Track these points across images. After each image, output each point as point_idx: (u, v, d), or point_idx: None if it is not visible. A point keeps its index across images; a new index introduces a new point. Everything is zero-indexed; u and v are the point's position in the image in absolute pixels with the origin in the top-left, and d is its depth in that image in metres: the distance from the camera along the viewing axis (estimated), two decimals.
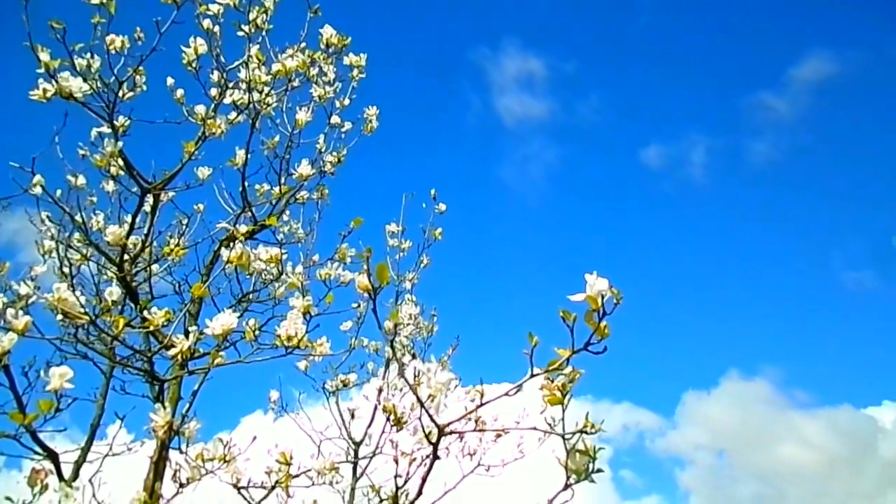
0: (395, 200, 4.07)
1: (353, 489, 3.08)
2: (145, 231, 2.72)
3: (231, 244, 2.26)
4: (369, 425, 3.20)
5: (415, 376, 1.02)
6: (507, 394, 1.08)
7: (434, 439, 1.06)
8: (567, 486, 1.28)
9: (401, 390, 3.55)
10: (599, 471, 1.30)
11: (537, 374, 1.06)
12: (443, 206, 3.78)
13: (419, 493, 1.24)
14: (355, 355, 3.54)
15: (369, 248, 3.15)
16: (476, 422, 1.39)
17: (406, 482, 3.60)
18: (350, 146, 3.25)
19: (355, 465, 3.02)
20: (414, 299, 3.63)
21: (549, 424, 1.25)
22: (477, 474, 3.20)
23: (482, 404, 1.10)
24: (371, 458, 3.06)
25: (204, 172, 2.78)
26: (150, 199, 2.69)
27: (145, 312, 2.13)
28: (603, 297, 1.07)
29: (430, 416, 1.04)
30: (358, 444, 3.14)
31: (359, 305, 3.76)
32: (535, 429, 1.09)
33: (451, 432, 1.11)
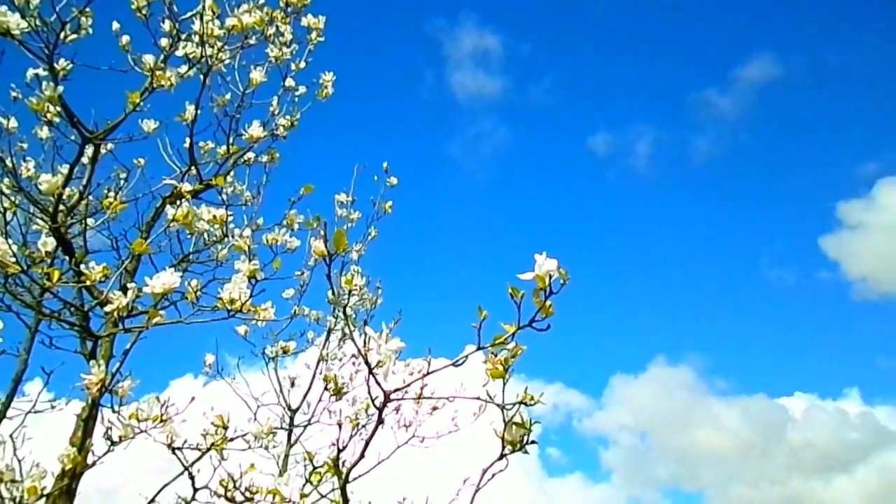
0: (346, 170, 4.02)
1: (286, 455, 3.08)
2: (83, 182, 2.60)
3: (177, 202, 2.20)
4: (307, 393, 3.20)
5: (364, 342, 1.04)
6: (454, 363, 1.12)
7: (380, 404, 1.09)
8: (502, 456, 1.33)
9: (340, 360, 3.57)
10: (533, 442, 1.36)
11: (485, 347, 1.10)
12: (394, 180, 3.76)
13: (362, 455, 1.26)
14: (296, 323, 3.52)
15: (318, 216, 3.12)
16: (420, 392, 1.43)
17: (344, 448, 3.64)
18: (304, 111, 3.19)
19: (290, 431, 3.02)
20: (360, 270, 3.63)
21: (490, 397, 1.30)
22: (411, 445, 3.27)
23: (429, 373, 1.13)
24: (307, 425, 3.07)
25: (149, 126, 2.67)
26: (89, 149, 2.57)
27: (82, 267, 2.06)
28: (550, 277, 1.12)
29: (377, 381, 1.06)
30: (294, 412, 3.14)
31: (302, 273, 3.73)
32: (477, 398, 1.13)
33: (399, 399, 1.14)
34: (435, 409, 3.22)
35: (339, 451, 1.31)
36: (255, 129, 2.84)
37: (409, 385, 1.11)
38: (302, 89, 3.34)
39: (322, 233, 1.11)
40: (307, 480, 1.89)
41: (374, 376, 1.04)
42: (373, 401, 1.07)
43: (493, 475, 1.34)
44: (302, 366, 3.30)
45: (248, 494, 1.85)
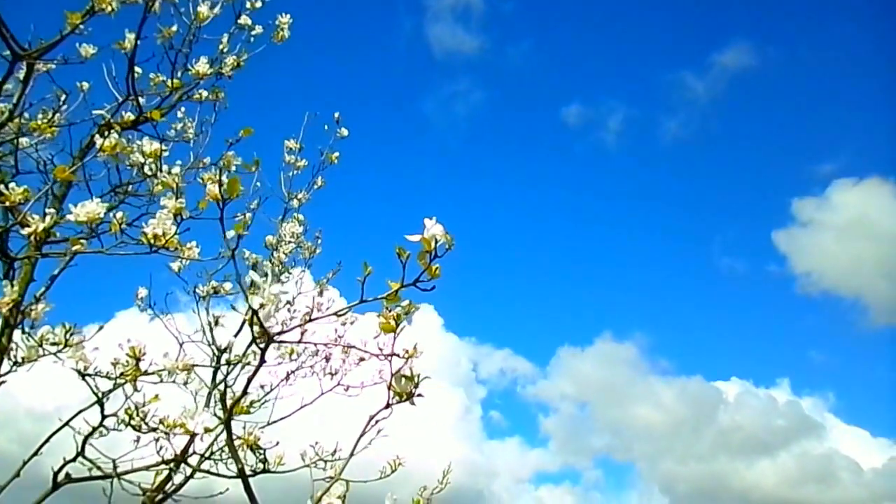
0: (310, 116, 3.97)
1: (209, 394, 3.13)
2: (14, 100, 2.53)
3: (107, 132, 2.17)
4: (236, 334, 3.25)
5: (250, 285, 1.09)
6: (335, 314, 1.18)
7: (262, 345, 1.14)
8: (388, 406, 1.42)
9: (276, 305, 3.60)
10: (420, 395, 1.44)
11: (366, 301, 1.17)
12: (345, 131, 3.75)
13: (244, 391, 1.33)
14: (233, 265, 3.51)
15: (257, 160, 3.11)
16: (300, 337, 1.49)
17: (270, 391, 3.71)
18: (256, 52, 3.14)
19: (215, 371, 3.07)
20: (301, 218, 3.64)
21: (380, 349, 1.37)
22: (336, 393, 3.36)
23: (310, 320, 1.19)
24: (233, 366, 3.12)
25: (88, 50, 2.60)
26: (23, 67, 2.49)
27: (2, 186, 2.03)
28: (436, 241, 1.18)
29: (260, 323, 1.12)
30: (222, 352, 3.19)
31: (244, 216, 3.72)
32: (365, 350, 1.20)
33: (281, 341, 1.20)
34: (362, 360, 3.30)
35: (226, 386, 1.37)
36: (202, 66, 2.80)
37: (290, 329, 1.17)
38: (258, 29, 3.28)
39: (216, 176, 1.14)
40: (217, 416, 1.95)
41: (257, 318, 1.10)
42: (255, 341, 1.12)
43: (377, 422, 1.42)
44: (229, 307, 3.33)
45: (153, 425, 1.91)
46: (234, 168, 2.77)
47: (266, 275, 1.17)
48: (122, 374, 1.85)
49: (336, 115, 3.72)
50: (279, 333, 1.09)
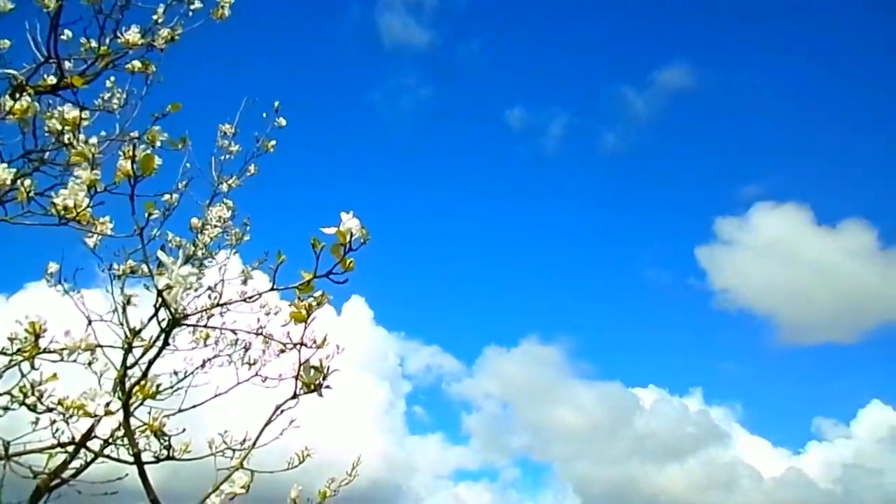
0: (248, 102, 3.86)
1: (122, 375, 3.01)
2: None
3: (19, 94, 2.06)
4: (151, 318, 3.12)
5: (158, 265, 1.07)
6: (244, 300, 1.16)
7: (167, 327, 1.12)
8: (295, 396, 1.41)
9: (195, 290, 3.50)
10: (328, 387, 1.44)
11: (278, 289, 1.16)
12: (283, 121, 3.68)
13: (144, 374, 1.29)
14: (154, 245, 3.39)
15: (184, 138, 3.02)
16: (207, 322, 1.46)
17: (184, 378, 3.59)
18: (193, 27, 3.03)
19: (126, 353, 2.94)
20: (230, 204, 3.54)
21: (289, 338, 1.36)
22: (253, 384, 3.29)
23: (218, 305, 1.17)
24: (146, 349, 3.00)
25: (6, 4, 2.44)
26: None
27: None
28: (351, 235, 1.19)
29: (166, 305, 1.09)
30: (134, 334, 3.06)
31: (170, 196, 3.59)
32: (271, 337, 1.19)
33: (186, 324, 1.17)
34: (282, 351, 3.25)
35: (127, 368, 1.33)
36: (132, 35, 2.68)
37: (196, 313, 1.15)
38: (198, 3, 3.17)
39: (129, 151, 1.11)
40: (119, 399, 1.88)
41: (163, 299, 1.07)
42: (159, 323, 1.10)
43: (283, 412, 1.42)
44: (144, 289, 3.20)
45: (50, 405, 1.82)
46: (159, 144, 2.67)
47: (177, 256, 1.15)
48: (19, 350, 1.76)
49: (276, 104, 3.65)
50: (185, 317, 1.07)
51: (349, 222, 1.16)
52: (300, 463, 2.14)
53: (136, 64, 3.13)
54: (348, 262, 1.21)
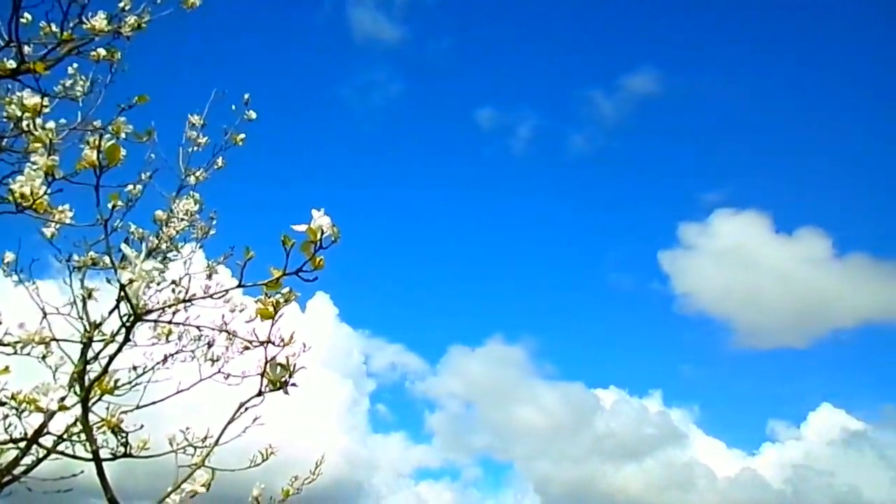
0: (217, 93, 3.79)
1: (82, 371, 2.92)
2: None
3: None
4: (112, 311, 3.05)
5: (121, 259, 1.04)
6: (210, 296, 1.15)
7: (129, 322, 1.09)
8: (260, 393, 1.40)
9: (158, 284, 3.42)
10: (294, 385, 1.43)
11: (245, 286, 1.15)
12: (253, 114, 3.63)
13: (105, 369, 1.26)
14: (117, 236, 3.31)
15: (150, 130, 2.96)
16: (172, 318, 1.44)
17: (143, 374, 3.51)
18: (161, 15, 2.96)
19: (85, 347, 2.86)
20: (196, 197, 3.47)
21: (255, 335, 1.34)
22: (215, 381, 3.23)
23: (186, 300, 1.15)
24: (106, 343, 2.92)
25: None
26: None
27: None
28: (322, 233, 1.18)
29: (128, 300, 1.07)
30: (95, 327, 2.98)
31: (134, 187, 3.51)
32: (235, 334, 1.17)
33: (148, 319, 1.15)
34: (247, 348, 3.20)
35: (86, 362, 1.30)
36: (99, 21, 2.61)
37: (162, 308, 1.12)
38: None
39: (94, 141, 1.08)
40: (76, 394, 1.83)
41: (125, 294, 1.05)
42: (121, 318, 1.07)
43: (247, 409, 1.40)
44: (103, 281, 3.12)
45: (2, 399, 1.76)
46: (124, 135, 2.61)
47: (140, 249, 1.12)
48: None
49: (246, 96, 3.59)
50: (147, 312, 1.05)
51: (320, 220, 1.15)
52: (263, 461, 2.12)
53: (101, 52, 3.06)
54: (318, 259, 1.20)
